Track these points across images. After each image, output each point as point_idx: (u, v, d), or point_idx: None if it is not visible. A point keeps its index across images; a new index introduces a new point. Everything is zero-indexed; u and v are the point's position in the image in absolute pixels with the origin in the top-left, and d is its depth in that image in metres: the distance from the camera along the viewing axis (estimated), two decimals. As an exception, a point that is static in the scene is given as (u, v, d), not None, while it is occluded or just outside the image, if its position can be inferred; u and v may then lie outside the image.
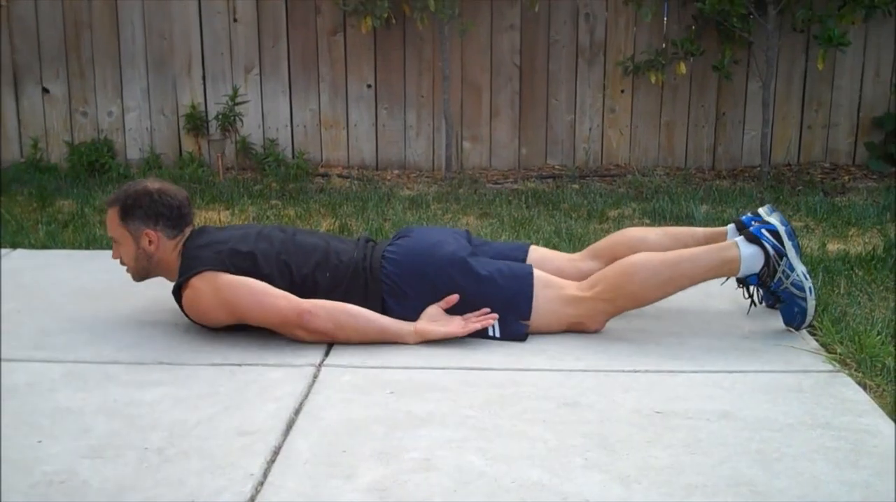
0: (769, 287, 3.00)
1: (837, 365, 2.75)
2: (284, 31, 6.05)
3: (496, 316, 2.95)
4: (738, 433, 2.32)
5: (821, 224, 4.58)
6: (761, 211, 3.11)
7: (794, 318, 3.00)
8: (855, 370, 2.71)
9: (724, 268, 2.99)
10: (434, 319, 2.94)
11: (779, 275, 2.95)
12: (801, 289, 2.96)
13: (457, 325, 2.92)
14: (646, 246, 3.13)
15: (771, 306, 3.19)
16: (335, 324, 2.87)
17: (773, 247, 2.96)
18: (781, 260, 2.95)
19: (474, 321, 2.93)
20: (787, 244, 2.97)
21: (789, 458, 2.19)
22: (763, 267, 2.96)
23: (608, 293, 2.97)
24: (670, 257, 3.00)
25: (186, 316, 3.00)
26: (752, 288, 3.11)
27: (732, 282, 3.15)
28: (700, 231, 3.27)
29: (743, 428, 2.34)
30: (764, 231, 2.98)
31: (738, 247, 2.97)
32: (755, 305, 3.18)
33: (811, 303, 2.97)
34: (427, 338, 2.91)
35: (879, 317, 3.10)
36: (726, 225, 3.24)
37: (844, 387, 2.59)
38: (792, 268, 2.96)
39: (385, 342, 2.91)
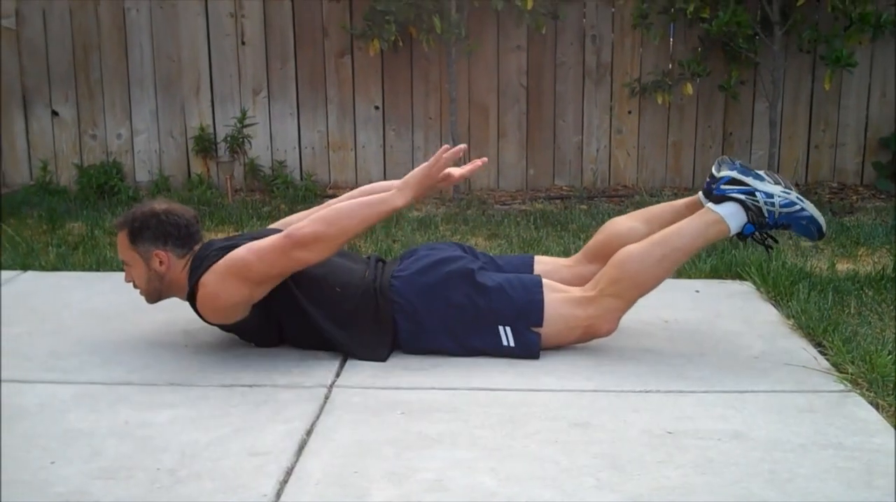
0: (768, 224, 2.98)
1: (849, 384, 2.74)
2: (292, 54, 6.09)
3: (485, 159, 2.97)
4: (749, 453, 2.32)
5: (830, 244, 4.58)
6: (713, 170, 3.09)
7: (810, 229, 2.99)
8: (867, 390, 2.70)
9: (711, 231, 2.99)
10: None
11: (765, 208, 2.94)
12: (792, 203, 2.95)
13: (433, 159, 2.90)
14: (637, 236, 3.12)
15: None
16: (323, 223, 2.83)
17: (740, 191, 2.95)
18: (756, 195, 2.95)
19: (445, 154, 2.91)
20: (748, 180, 2.96)
21: (801, 479, 2.19)
22: (747, 212, 2.96)
23: (611, 288, 2.97)
24: (657, 236, 3.00)
25: (205, 320, 3.00)
26: (756, 235, 3.06)
27: (744, 302, 3.14)
28: (678, 203, 3.26)
29: (754, 449, 2.34)
30: (723, 185, 2.98)
31: (713, 209, 2.98)
32: (772, 248, 3.15)
33: (810, 207, 2.97)
34: (411, 184, 2.88)
35: (890, 337, 3.09)
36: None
37: (856, 407, 2.59)
38: (770, 195, 2.94)
39: (379, 215, 2.89)
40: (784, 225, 2.99)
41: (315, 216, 2.89)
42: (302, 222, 2.87)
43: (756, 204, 2.94)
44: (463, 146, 2.96)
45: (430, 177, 2.90)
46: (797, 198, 2.96)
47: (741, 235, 3.02)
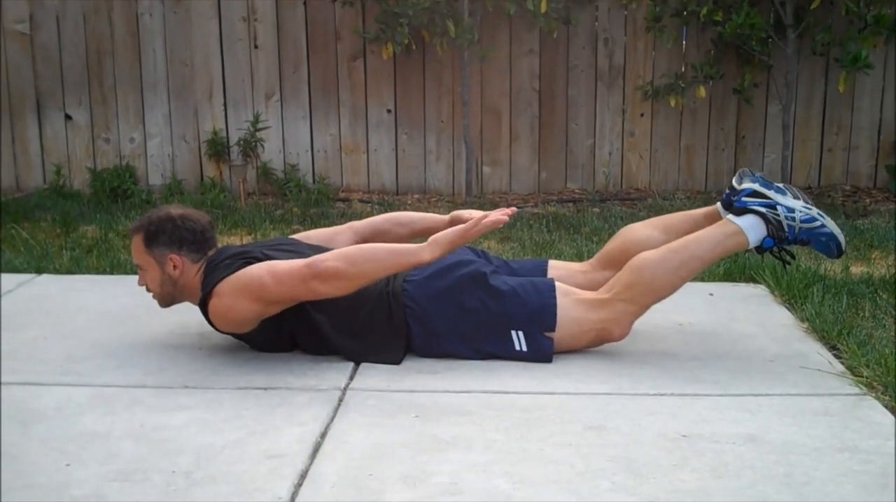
0: (787, 239, 2.97)
1: (864, 388, 2.73)
2: (305, 58, 6.10)
3: (514, 209, 2.92)
4: (764, 457, 2.31)
5: (843, 247, 4.56)
6: (734, 182, 3.09)
7: (829, 246, 2.98)
8: (882, 393, 2.69)
9: (730, 242, 2.98)
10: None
11: (785, 223, 2.94)
12: (813, 219, 2.95)
13: (471, 223, 2.79)
14: (654, 244, 3.11)
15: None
16: (346, 261, 2.78)
17: (762, 204, 2.95)
18: (777, 209, 2.94)
19: (488, 217, 2.81)
20: (770, 193, 2.96)
21: (817, 482, 2.18)
22: (767, 225, 2.95)
23: (626, 292, 2.97)
24: (675, 244, 3.00)
25: (215, 328, 3.00)
26: (775, 249, 3.04)
27: (758, 305, 3.13)
28: (696, 212, 3.26)
29: (770, 452, 2.33)
30: (745, 198, 2.98)
31: (732, 221, 2.98)
32: (789, 264, 3.14)
33: (830, 223, 2.96)
34: (442, 244, 2.78)
35: (905, 340, 3.09)
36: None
37: (872, 411, 2.58)
38: (791, 209, 2.94)
39: (403, 266, 2.82)
40: (803, 240, 2.98)
41: (341, 252, 2.83)
42: (327, 254, 2.83)
43: (777, 217, 2.94)
44: (505, 216, 2.83)
45: (465, 240, 2.81)
46: (818, 214, 2.96)
47: (759, 248, 3.01)
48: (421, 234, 3.38)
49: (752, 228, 2.96)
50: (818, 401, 2.65)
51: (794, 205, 2.95)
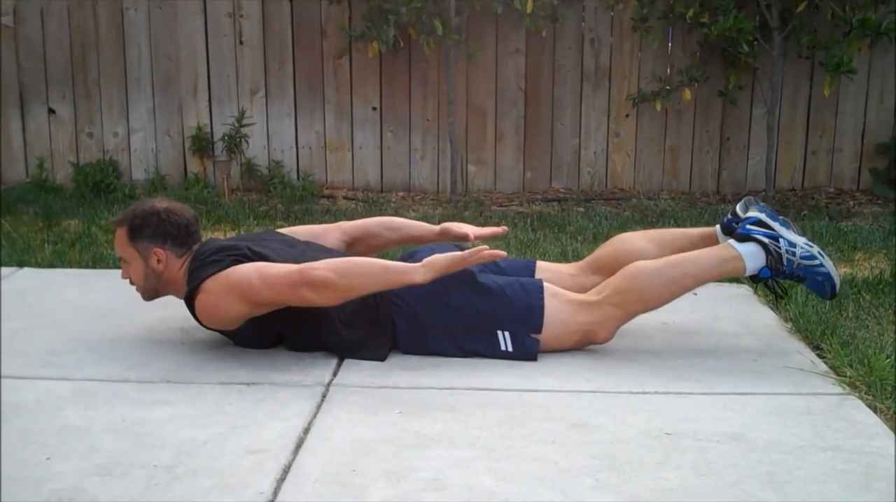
0: (784, 273, 2.98)
1: (847, 388, 2.74)
2: (290, 54, 6.08)
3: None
4: (748, 455, 2.31)
5: (827, 248, 4.55)
6: (738, 209, 3.11)
7: (824, 287, 3.00)
8: (865, 393, 2.70)
9: (727, 266, 2.99)
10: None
11: (785, 256, 2.95)
12: (812, 257, 2.96)
13: (469, 253, 2.77)
14: (647, 256, 3.13)
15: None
16: (337, 272, 2.76)
17: (765, 234, 2.97)
18: (779, 242, 2.95)
19: (482, 248, 2.80)
20: (775, 225, 2.98)
21: (800, 481, 2.18)
22: (767, 256, 2.96)
23: (616, 297, 2.97)
24: (673, 258, 3.02)
25: (201, 323, 2.98)
26: (770, 281, 3.07)
27: (742, 305, 3.14)
28: (693, 231, 3.28)
29: (753, 451, 2.34)
30: (749, 226, 3.00)
31: (733, 246, 2.99)
32: (781, 298, 3.16)
33: (829, 264, 2.97)
34: (437, 268, 2.77)
35: (889, 341, 3.09)
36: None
37: (855, 410, 2.58)
38: (793, 244, 2.96)
39: (393, 284, 2.82)
40: (799, 277, 3.00)
41: (333, 263, 2.81)
42: (318, 263, 2.81)
43: (778, 250, 2.95)
44: (502, 253, 2.81)
45: (460, 267, 2.81)
46: (819, 253, 2.98)
47: (755, 278, 3.03)
48: (409, 242, 3.38)
49: (751, 256, 2.97)
50: (802, 401, 2.65)
51: (796, 241, 2.97)
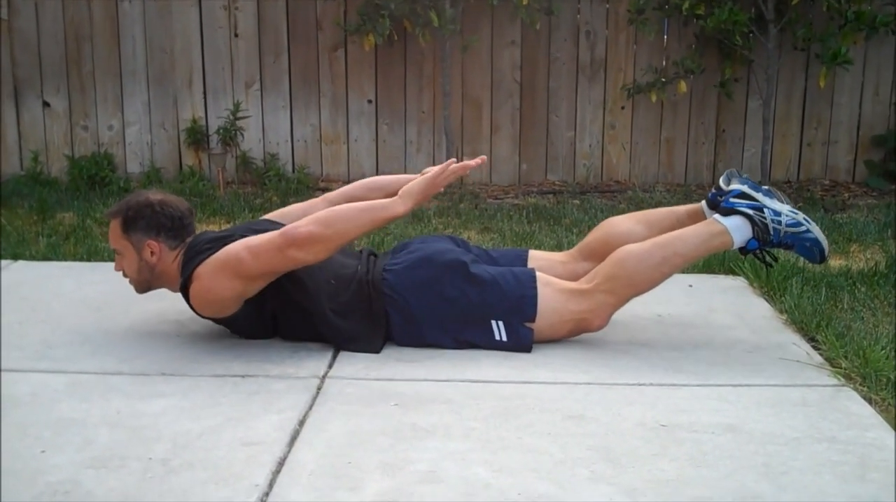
0: (772, 242, 2.98)
1: (842, 379, 2.74)
2: (285, 47, 6.07)
3: (483, 158, 2.94)
4: (743, 446, 2.31)
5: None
6: (721, 182, 3.10)
7: (812, 252, 3.00)
8: (860, 384, 2.70)
9: (714, 242, 2.99)
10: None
11: (771, 226, 2.95)
12: (798, 223, 2.96)
13: (438, 170, 2.82)
14: (636, 238, 3.12)
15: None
16: (320, 224, 2.78)
17: (749, 206, 2.97)
18: (763, 212, 2.95)
19: (455, 164, 2.84)
20: (758, 196, 2.98)
21: (796, 472, 2.19)
22: (753, 227, 2.96)
23: (607, 284, 2.97)
24: (661, 239, 3.01)
25: (197, 313, 2.98)
26: (758, 252, 3.06)
27: (737, 296, 3.14)
28: (679, 209, 3.27)
29: (748, 442, 2.34)
30: (732, 199, 2.99)
31: (719, 221, 2.99)
32: (772, 266, 3.16)
33: (815, 229, 2.97)
34: (414, 194, 2.82)
35: (883, 333, 3.09)
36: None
37: (850, 402, 2.59)
38: (777, 212, 2.96)
39: (377, 221, 2.85)
40: (787, 244, 2.99)
41: (313, 217, 2.83)
42: (300, 221, 2.83)
43: (763, 220, 2.95)
44: (475, 162, 2.89)
45: (435, 187, 2.85)
46: (804, 219, 2.98)
47: (743, 250, 3.02)
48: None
49: (737, 229, 2.96)
50: (797, 392, 2.66)
51: (780, 209, 2.97)
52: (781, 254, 4.00)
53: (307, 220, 2.82)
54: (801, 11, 5.63)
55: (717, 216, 3.01)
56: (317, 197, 3.27)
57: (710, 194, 3.14)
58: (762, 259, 3.09)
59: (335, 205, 3.35)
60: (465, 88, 6.07)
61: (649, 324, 3.25)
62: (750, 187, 2.99)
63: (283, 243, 2.77)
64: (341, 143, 6.17)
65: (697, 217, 3.16)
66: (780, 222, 2.95)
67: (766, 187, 3.02)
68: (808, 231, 2.97)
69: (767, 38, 5.59)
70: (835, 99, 6.05)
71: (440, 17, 5.57)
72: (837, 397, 2.62)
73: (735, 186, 3.02)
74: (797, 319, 3.26)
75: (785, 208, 2.98)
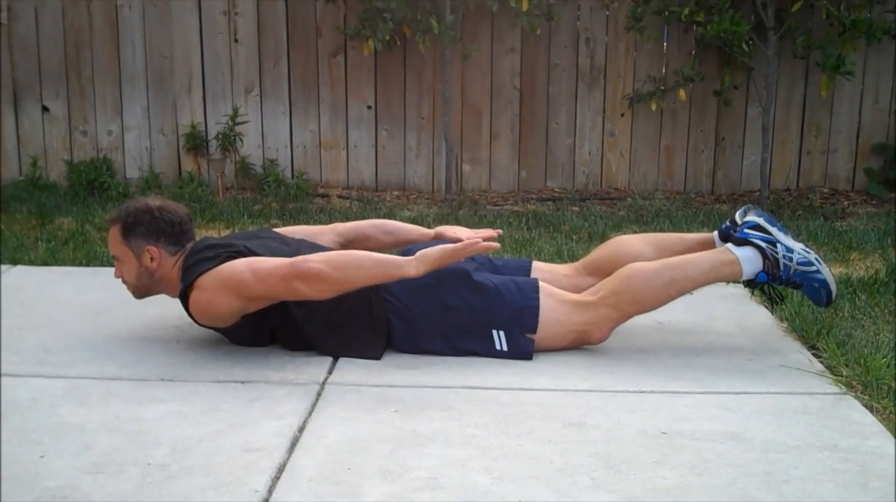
0: (781, 278, 2.98)
1: (843, 387, 2.74)
2: (285, 53, 6.06)
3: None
4: (744, 454, 2.31)
5: (822, 248, 4.57)
6: (736, 217, 3.11)
7: (820, 293, 3.00)
8: (861, 392, 2.70)
9: (724, 270, 2.99)
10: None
11: (782, 261, 2.95)
12: (809, 263, 2.96)
13: (461, 245, 2.75)
14: (645, 259, 3.12)
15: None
16: (330, 265, 2.73)
17: (763, 239, 2.97)
18: (776, 247, 2.95)
19: (475, 239, 2.79)
20: (773, 230, 2.98)
21: (797, 480, 2.18)
22: (764, 261, 2.96)
23: (611, 298, 2.97)
24: (670, 261, 3.02)
25: (196, 321, 2.97)
26: (766, 286, 3.07)
27: (738, 304, 3.14)
28: (690, 237, 3.28)
29: (750, 450, 2.33)
30: (747, 230, 3.00)
31: (731, 250, 2.99)
32: (777, 303, 3.16)
33: (826, 271, 2.97)
34: (430, 261, 2.75)
35: (884, 341, 3.09)
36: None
37: (851, 410, 2.58)
38: (790, 249, 2.96)
39: (387, 278, 2.79)
40: (796, 283, 3.00)
41: (326, 255, 2.79)
42: (311, 256, 2.79)
43: (775, 254, 2.95)
44: (496, 244, 2.80)
45: (453, 259, 2.77)
46: (815, 259, 2.98)
47: (752, 282, 3.03)
48: (404, 245, 3.36)
49: (748, 260, 2.96)
50: (798, 400, 2.65)
51: (793, 247, 2.97)
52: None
53: (319, 257, 2.77)
54: (800, 19, 5.63)
55: (729, 245, 3.01)
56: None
57: (723, 226, 3.15)
58: (769, 294, 3.10)
59: (343, 236, 3.37)
60: (464, 95, 6.07)
61: (650, 331, 3.24)
62: (766, 221, 3.00)
63: (290, 274, 2.75)
64: (340, 149, 6.17)
65: (708, 246, 3.17)
66: (791, 259, 2.95)
67: (780, 223, 3.03)
68: (818, 272, 2.97)
69: (767, 46, 5.59)
70: (834, 107, 6.05)
71: (440, 24, 5.57)
72: (838, 405, 2.62)
73: (751, 218, 3.03)
74: (798, 327, 3.25)
75: (798, 246, 2.98)
